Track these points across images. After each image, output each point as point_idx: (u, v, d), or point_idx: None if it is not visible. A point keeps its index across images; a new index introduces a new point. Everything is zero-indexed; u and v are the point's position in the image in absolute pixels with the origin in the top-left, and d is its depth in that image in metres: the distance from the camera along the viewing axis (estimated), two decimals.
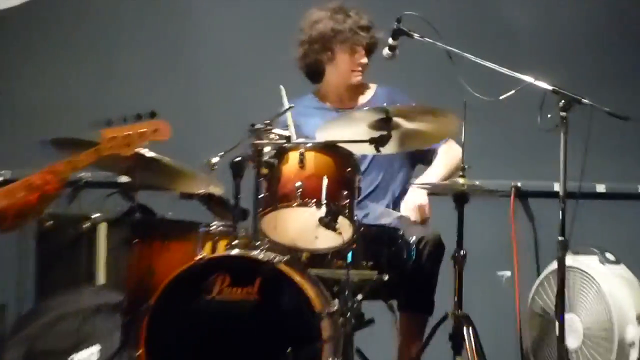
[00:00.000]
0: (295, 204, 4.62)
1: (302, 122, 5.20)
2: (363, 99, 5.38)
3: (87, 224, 5.41)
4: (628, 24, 6.37)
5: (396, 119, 4.80)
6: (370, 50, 5.31)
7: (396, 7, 5.11)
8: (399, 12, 5.02)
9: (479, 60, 4.87)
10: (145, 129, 4.50)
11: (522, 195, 6.25)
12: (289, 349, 4.38)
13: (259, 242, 4.64)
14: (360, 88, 5.42)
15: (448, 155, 5.26)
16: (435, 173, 5.28)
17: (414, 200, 5.14)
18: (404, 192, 5.27)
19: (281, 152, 4.69)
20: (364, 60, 5.31)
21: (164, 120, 4.50)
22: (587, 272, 5.46)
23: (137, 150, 4.64)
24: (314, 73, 5.37)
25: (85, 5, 6.58)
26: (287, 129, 4.89)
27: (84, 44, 6.52)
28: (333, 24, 5.27)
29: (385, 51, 5.07)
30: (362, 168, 5.08)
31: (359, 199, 4.92)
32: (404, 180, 5.34)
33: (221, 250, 4.77)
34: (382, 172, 5.28)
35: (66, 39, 6.53)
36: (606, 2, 6.38)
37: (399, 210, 5.23)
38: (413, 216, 5.12)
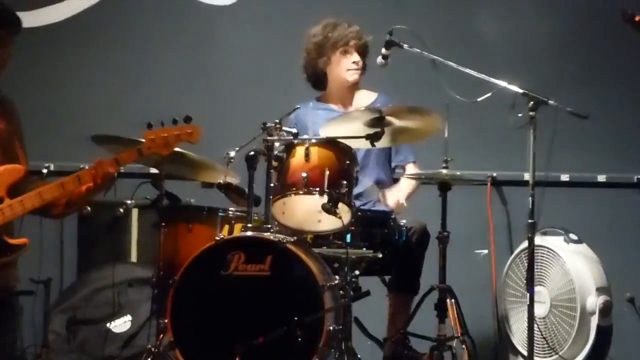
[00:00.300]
0: (301, 192, 4.64)
1: (309, 122, 5.19)
2: (365, 102, 5.33)
3: (121, 210, 5.38)
4: (586, 34, 6.35)
5: (388, 118, 4.83)
6: (362, 52, 5.31)
7: (388, 21, 5.10)
8: (391, 26, 5.00)
9: (459, 67, 4.87)
10: (180, 132, 4.46)
11: (497, 184, 6.25)
12: (295, 318, 4.36)
13: (270, 225, 4.64)
14: (362, 94, 5.38)
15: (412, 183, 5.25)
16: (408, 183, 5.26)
17: (398, 195, 5.08)
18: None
19: (289, 147, 4.77)
20: (356, 58, 5.29)
21: (197, 125, 4.45)
22: (553, 250, 5.48)
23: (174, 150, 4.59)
24: (317, 80, 5.38)
25: (126, 21, 6.55)
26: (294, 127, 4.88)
27: (124, 53, 6.49)
28: (325, 34, 5.27)
29: (379, 60, 5.05)
30: (363, 165, 5.13)
31: (360, 191, 4.92)
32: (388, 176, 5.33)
33: (237, 232, 4.83)
34: (377, 171, 5.26)
35: (108, 48, 6.49)
36: (566, 18, 6.36)
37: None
38: (391, 202, 5.05)
